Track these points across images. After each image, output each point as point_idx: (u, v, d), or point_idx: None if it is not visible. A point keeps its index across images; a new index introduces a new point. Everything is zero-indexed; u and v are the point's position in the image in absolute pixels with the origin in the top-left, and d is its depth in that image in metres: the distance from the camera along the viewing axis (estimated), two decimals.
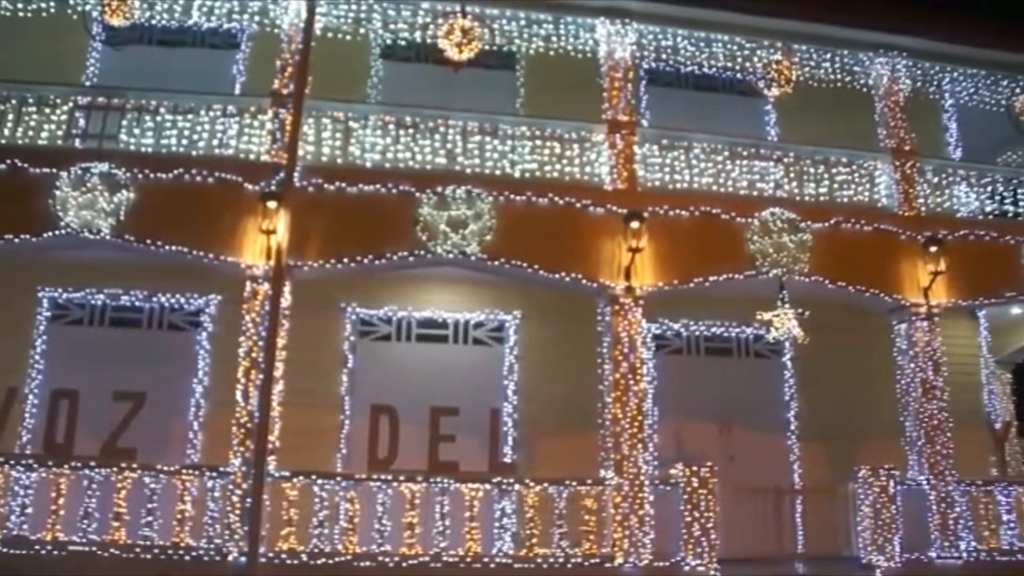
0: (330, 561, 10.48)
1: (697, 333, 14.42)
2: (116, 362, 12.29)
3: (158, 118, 11.88)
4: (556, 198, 12.17)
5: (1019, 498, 12.66)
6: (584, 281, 12.01)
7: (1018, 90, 14.47)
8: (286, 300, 11.23)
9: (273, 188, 11.33)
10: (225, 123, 11.98)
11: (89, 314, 12.86)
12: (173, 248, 11.23)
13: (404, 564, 10.58)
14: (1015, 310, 15.15)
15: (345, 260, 11.56)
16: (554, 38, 13.35)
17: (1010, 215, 14.01)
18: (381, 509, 10.75)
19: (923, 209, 13.52)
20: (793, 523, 13.23)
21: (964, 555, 12.07)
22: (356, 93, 13.62)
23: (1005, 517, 12.50)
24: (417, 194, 11.76)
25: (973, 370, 15.07)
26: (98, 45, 13.83)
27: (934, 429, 12.54)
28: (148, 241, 11.18)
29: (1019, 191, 14.16)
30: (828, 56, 14.04)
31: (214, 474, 10.67)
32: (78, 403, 12.17)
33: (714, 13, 13.39)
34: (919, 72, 14.43)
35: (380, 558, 10.56)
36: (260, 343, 11.00)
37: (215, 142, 11.88)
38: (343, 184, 11.75)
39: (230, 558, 10.27)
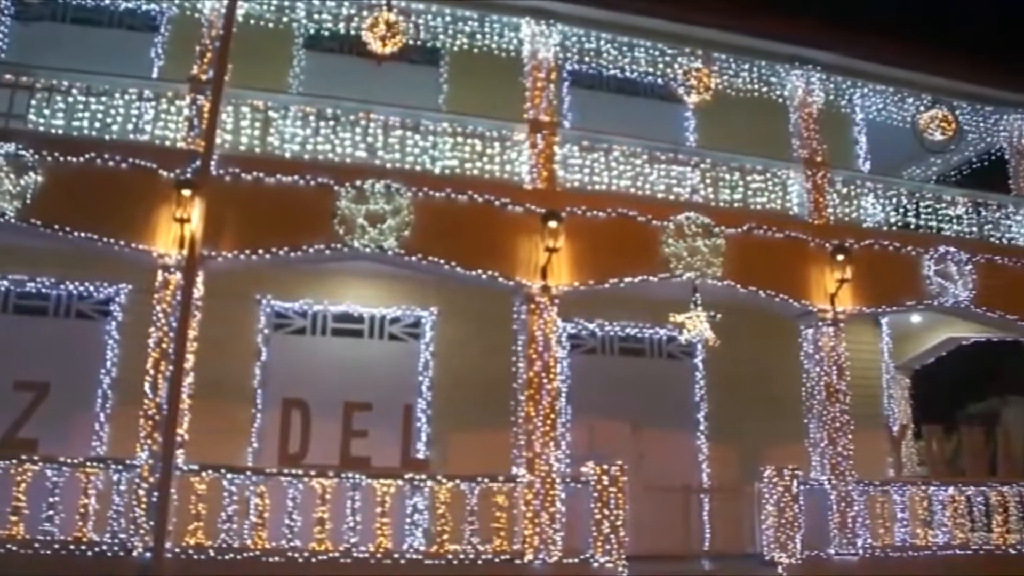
0: (238, 556, 10.32)
1: (611, 333, 14.65)
2: (19, 350, 11.81)
3: (70, 99, 11.51)
4: (475, 196, 12.19)
5: (913, 497, 13.23)
6: (501, 279, 12.06)
7: (923, 108, 15.01)
8: (199, 290, 11.01)
9: (189, 176, 11.09)
10: (141, 107, 11.67)
11: None
12: (82, 234, 10.90)
13: (314, 560, 10.50)
14: (915, 318, 15.85)
15: (260, 252, 11.38)
16: (479, 36, 13.36)
17: (912, 227, 14.53)
18: (291, 504, 10.65)
19: (832, 218, 13.94)
20: (700, 521, 13.55)
21: (861, 551, 12.53)
22: (277, 82, 13.42)
23: (899, 515, 13.05)
24: (336, 187, 11.65)
25: (875, 375, 15.67)
26: (6, 19, 13.29)
27: (836, 431, 12.97)
28: (56, 226, 10.83)
29: (922, 204, 14.72)
30: (746, 66, 14.35)
31: (120, 467, 10.40)
32: None
33: (637, 18, 13.57)
34: (832, 86, 14.86)
35: (290, 554, 10.45)
36: (171, 334, 10.76)
37: (130, 126, 11.56)
38: (261, 174, 11.56)
39: (135, 553, 10.02)
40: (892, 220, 14.52)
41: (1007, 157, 15.92)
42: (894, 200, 14.65)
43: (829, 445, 12.91)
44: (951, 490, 13.41)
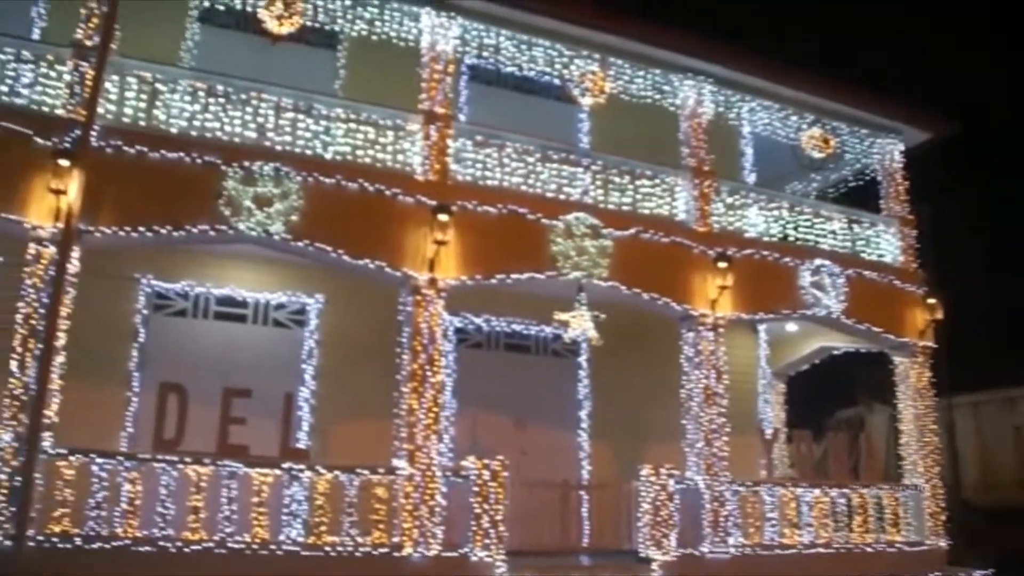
0: (107, 545, 9.88)
1: (498, 329, 14.73)
2: None
3: None
4: (366, 184, 12.03)
5: (782, 498, 13.73)
6: (388, 270, 11.93)
7: (805, 126, 15.67)
8: (74, 266, 10.52)
9: (67, 145, 10.55)
10: (18, 69, 11.03)
11: None
12: None
13: (187, 550, 10.15)
14: (791, 327, 16.46)
15: (142, 229, 10.92)
16: (378, 23, 13.17)
17: (791, 239, 15.07)
18: (165, 492, 10.28)
19: (716, 226, 14.32)
20: (579, 517, 13.68)
21: (732, 550, 12.93)
22: (167, 55, 12.93)
23: (769, 515, 13.52)
24: (223, 167, 11.29)
25: (751, 380, 16.24)
26: None
27: (712, 433, 13.34)
28: None
29: (801, 218, 15.29)
30: (641, 73, 14.60)
31: None
32: None
33: (537, 18, 13.67)
34: (722, 98, 15.27)
35: (161, 543, 10.07)
36: (41, 310, 10.22)
37: (4, 89, 10.90)
38: (145, 148, 11.08)
39: None
40: (773, 231, 15.00)
41: (879, 178, 16.71)
42: (776, 212, 15.15)
43: (705, 446, 13.27)
44: (817, 492, 13.99)
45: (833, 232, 15.54)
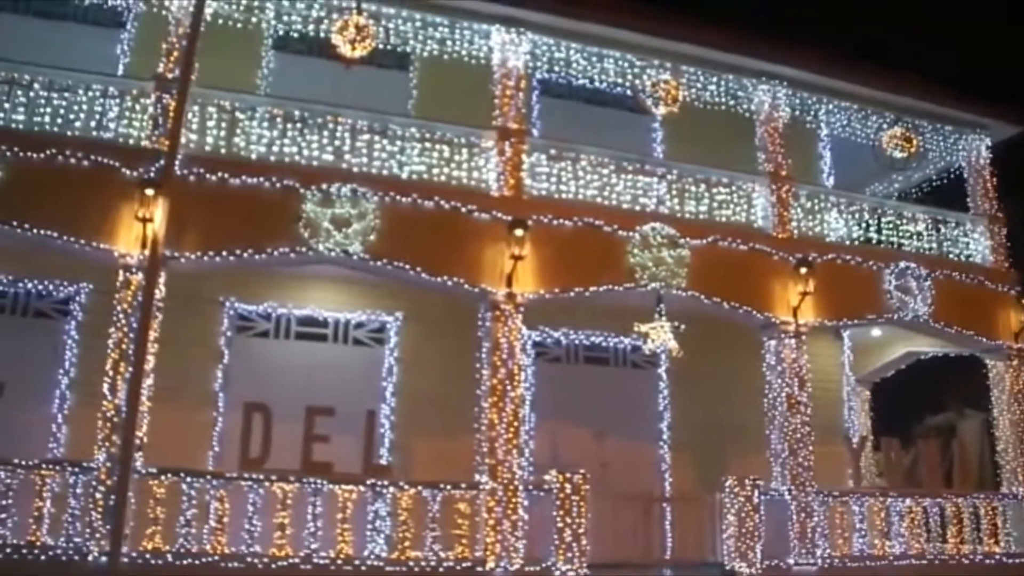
0: (197, 561, 10.18)
1: (576, 342, 14.69)
2: None
3: (31, 94, 11.30)
4: (442, 202, 12.19)
5: (871, 508, 13.39)
6: (466, 286, 12.05)
7: (885, 126, 15.27)
8: (160, 291, 10.88)
9: (152, 175, 10.94)
10: (105, 104, 11.50)
11: None
12: (42, 232, 10.71)
13: (274, 565, 10.38)
14: (876, 332, 16.04)
15: (224, 253, 11.29)
16: (449, 42, 13.32)
17: (874, 242, 14.74)
18: (252, 509, 10.54)
19: (796, 232, 14.09)
20: (662, 530, 13.52)
21: (820, 561, 12.65)
22: (245, 83, 13.27)
23: (858, 525, 13.20)
24: (301, 190, 11.58)
25: (835, 387, 15.88)
26: None
27: (797, 442, 13.07)
28: (15, 223, 10.64)
29: (883, 220, 14.94)
30: (714, 80, 14.45)
31: (77, 469, 10.22)
32: None
33: (607, 30, 13.65)
34: (798, 101, 15.02)
35: (249, 559, 10.33)
36: (131, 335, 10.60)
37: (93, 123, 11.38)
38: (226, 175, 11.47)
39: (90, 558, 9.83)
40: (854, 235, 14.71)
41: (965, 176, 16.21)
42: (857, 215, 14.86)
43: (790, 456, 13.02)
44: (908, 501, 13.59)
45: (918, 233, 15.14)
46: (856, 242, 14.64)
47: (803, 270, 13.38)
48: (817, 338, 14.63)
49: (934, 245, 15.18)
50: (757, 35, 14.58)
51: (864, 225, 14.81)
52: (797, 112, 15.09)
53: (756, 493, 12.56)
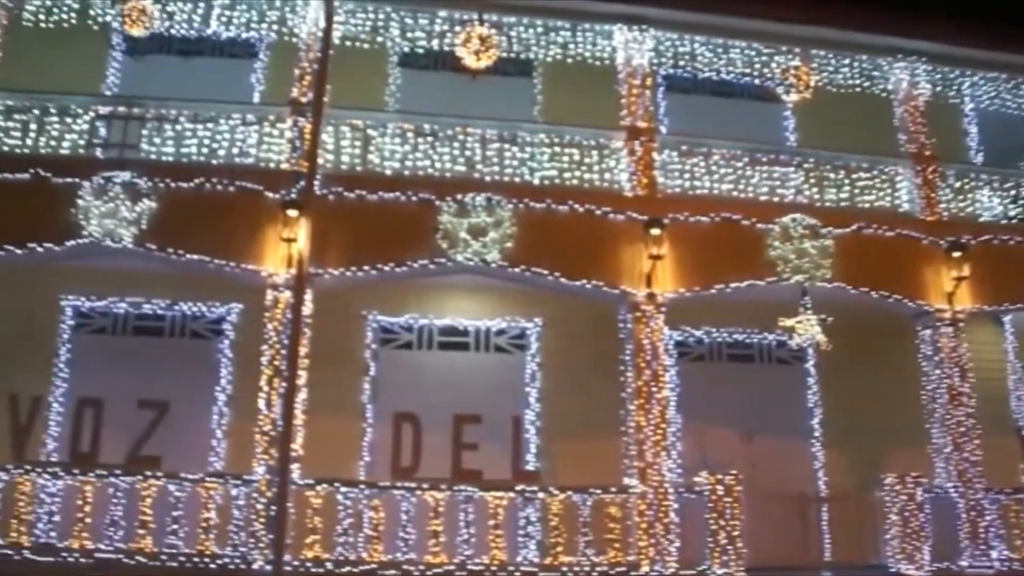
0: (355, 569, 10.42)
1: (719, 340, 14.34)
2: (139, 370, 12.24)
3: (178, 127, 11.93)
4: (576, 205, 12.16)
5: None
6: (605, 288, 11.98)
7: None
8: (308, 308, 11.20)
9: (294, 196, 11.33)
10: (245, 132, 12.02)
11: (112, 322, 12.86)
12: (194, 257, 11.26)
13: (429, 572, 10.53)
14: None
15: (366, 268, 11.58)
16: (571, 45, 13.36)
17: None
18: (405, 517, 10.71)
19: (945, 214, 13.42)
20: (819, 531, 12.98)
21: (996, 564, 11.90)
22: (375, 101, 13.62)
23: None
24: (437, 202, 11.76)
25: (1000, 376, 14.87)
26: (118, 55, 13.87)
27: (961, 436, 12.40)
28: (170, 250, 11.20)
29: None
30: (846, 61, 14.00)
31: (238, 482, 10.65)
32: (103, 411, 12.19)
33: (731, 20, 13.37)
34: (938, 76, 14.36)
35: (405, 566, 10.51)
36: (282, 351, 10.98)
37: (235, 151, 11.92)
38: (363, 192, 11.77)
39: (256, 566, 10.24)
40: (1011, 213, 13.90)
41: None
42: (1012, 192, 14.02)
43: (955, 451, 12.37)
44: None
45: None
46: (1013, 221, 13.82)
47: (956, 254, 12.71)
48: (976, 325, 13.80)
49: None
50: (889, 11, 13.94)
51: (1021, 202, 13.96)
52: (938, 87, 14.43)
53: (919, 491, 11.96)
